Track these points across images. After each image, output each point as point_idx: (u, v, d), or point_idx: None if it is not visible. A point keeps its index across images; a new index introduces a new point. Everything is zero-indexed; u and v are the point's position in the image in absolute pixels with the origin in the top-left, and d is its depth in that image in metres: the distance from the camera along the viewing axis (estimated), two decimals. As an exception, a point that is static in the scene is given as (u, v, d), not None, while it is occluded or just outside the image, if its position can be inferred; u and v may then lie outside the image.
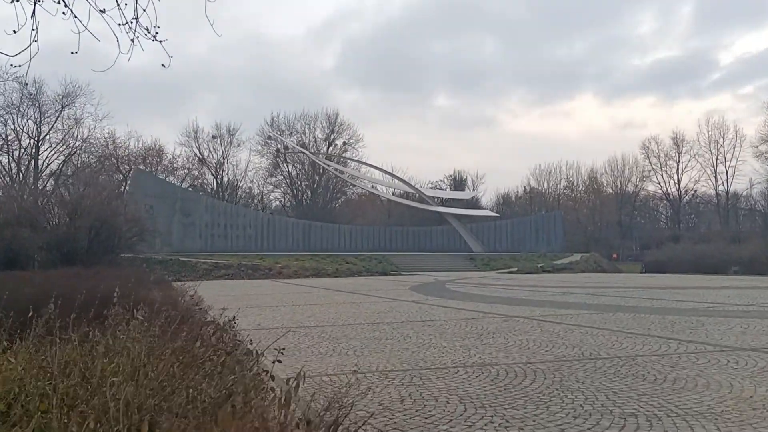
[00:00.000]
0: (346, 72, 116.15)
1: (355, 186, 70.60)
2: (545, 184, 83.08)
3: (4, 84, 56.07)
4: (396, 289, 22.79)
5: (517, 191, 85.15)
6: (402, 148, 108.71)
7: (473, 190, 76.70)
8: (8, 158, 50.14)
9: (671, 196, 76.77)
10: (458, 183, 77.14)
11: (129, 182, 42.38)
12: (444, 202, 70.27)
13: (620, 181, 79.55)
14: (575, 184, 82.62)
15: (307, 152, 63.03)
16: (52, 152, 52.48)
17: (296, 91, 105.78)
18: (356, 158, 69.04)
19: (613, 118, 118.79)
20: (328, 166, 63.39)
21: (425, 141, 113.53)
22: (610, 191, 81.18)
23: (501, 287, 23.90)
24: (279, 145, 69.00)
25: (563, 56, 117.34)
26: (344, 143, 73.00)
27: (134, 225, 21.13)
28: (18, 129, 49.58)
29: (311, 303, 17.38)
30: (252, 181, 72.52)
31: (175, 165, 69.06)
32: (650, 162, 76.06)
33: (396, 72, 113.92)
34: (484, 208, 67.76)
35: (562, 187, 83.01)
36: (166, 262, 33.40)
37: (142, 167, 63.49)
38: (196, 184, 69.85)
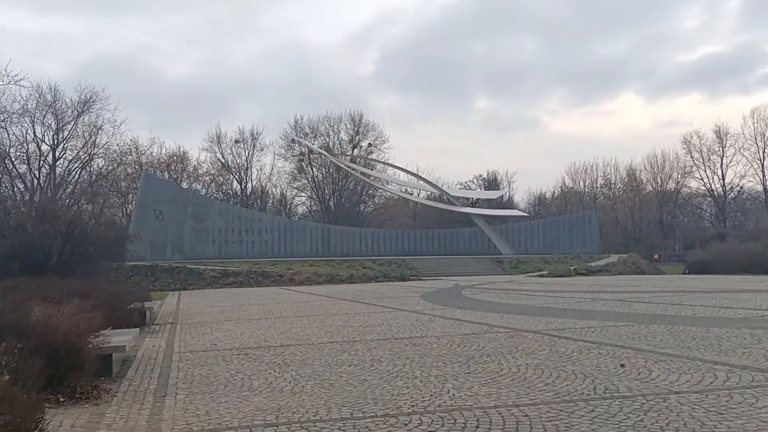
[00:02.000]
0: (384, 76, 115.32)
1: (380, 189, 68.63)
2: (581, 183, 79.77)
3: (21, 91, 55.90)
4: (404, 297, 20.66)
5: (553, 191, 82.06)
6: (441, 152, 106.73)
7: (508, 188, 74.12)
8: (27, 166, 49.60)
9: (715, 193, 72.77)
10: (490, 183, 74.43)
11: (138, 187, 41.14)
12: (474, 203, 67.82)
13: (661, 178, 75.81)
14: (613, 182, 79.11)
15: (330, 156, 61.26)
16: (72, 159, 51.84)
17: (335, 98, 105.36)
18: (382, 160, 67.02)
19: (656, 117, 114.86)
20: (353, 169, 61.54)
21: (464, 144, 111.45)
22: (650, 189, 77.47)
23: (523, 293, 21.55)
24: (303, 149, 67.44)
25: (606, 54, 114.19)
26: (369, 145, 71.10)
27: (109, 230, 19.41)
28: (37, 137, 49.01)
29: (299, 315, 15.40)
30: (276, 186, 71.21)
31: (199, 171, 68.36)
32: (692, 157, 72.28)
33: (434, 75, 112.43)
34: (514, 208, 64.90)
35: (599, 185, 79.60)
36: (172, 270, 31.91)
37: (163, 174, 62.85)
38: (221, 190, 68.94)
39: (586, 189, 79.67)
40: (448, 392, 6.23)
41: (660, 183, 75.69)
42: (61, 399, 6.27)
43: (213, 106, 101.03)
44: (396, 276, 33.26)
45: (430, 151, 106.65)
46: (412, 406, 5.71)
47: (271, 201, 72.07)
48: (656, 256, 64.25)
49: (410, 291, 23.94)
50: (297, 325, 12.99)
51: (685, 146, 72.54)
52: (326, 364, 8.05)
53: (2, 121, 41.04)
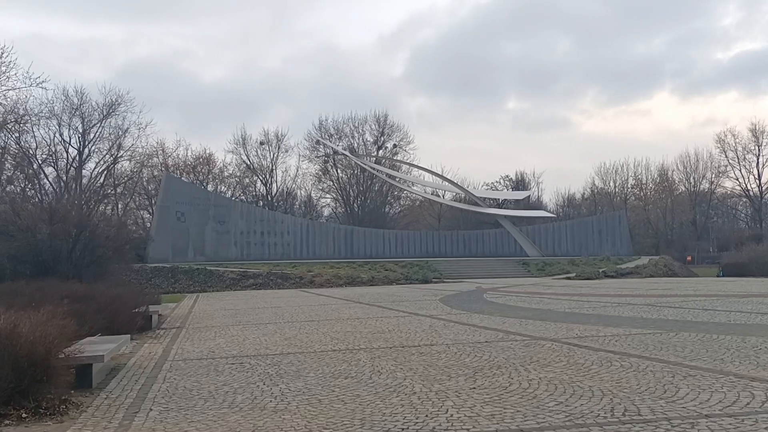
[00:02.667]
0: (415, 78, 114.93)
1: (405, 190, 67.92)
2: (611, 184, 77.92)
3: (47, 93, 56.56)
4: (422, 300, 19.96)
5: (583, 192, 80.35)
6: (470, 153, 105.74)
7: (536, 189, 72.83)
8: (55, 169, 50.08)
9: (751, 193, 70.44)
10: (517, 184, 73.13)
11: (160, 189, 41.06)
12: (500, 204, 66.73)
13: (694, 178, 73.73)
14: (644, 182, 77.12)
15: (354, 157, 60.75)
16: (99, 162, 52.22)
17: (365, 100, 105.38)
18: (407, 161, 66.28)
19: (691, 116, 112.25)
20: (377, 171, 60.95)
21: (494, 145, 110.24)
22: (683, 189, 75.42)
23: (547, 296, 20.69)
24: (327, 150, 67.06)
25: (640, 53, 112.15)
26: (394, 146, 70.41)
27: (119, 232, 19.05)
28: (63, 139, 49.45)
29: (310, 319, 14.83)
30: (300, 188, 70.96)
31: (225, 173, 68.45)
32: (726, 156, 70.10)
33: (465, 76, 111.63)
34: (542, 209, 63.58)
35: (630, 185, 77.70)
36: (192, 272, 31.66)
37: (189, 176, 63.04)
38: (247, 192, 68.93)
39: (617, 189, 77.88)
40: (447, 412, 5.56)
41: (693, 183, 73.69)
42: (24, 415, 5.76)
43: (245, 110, 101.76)
44: (418, 278, 32.55)
45: (460, 152, 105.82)
46: (403, 429, 5.06)
47: (297, 203, 71.91)
48: (689, 258, 62.38)
49: (430, 294, 23.23)
50: (304, 330, 12.42)
51: (719, 145, 70.48)
52: (321, 376, 7.44)
53: (29, 124, 41.23)
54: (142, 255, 35.93)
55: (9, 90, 31.35)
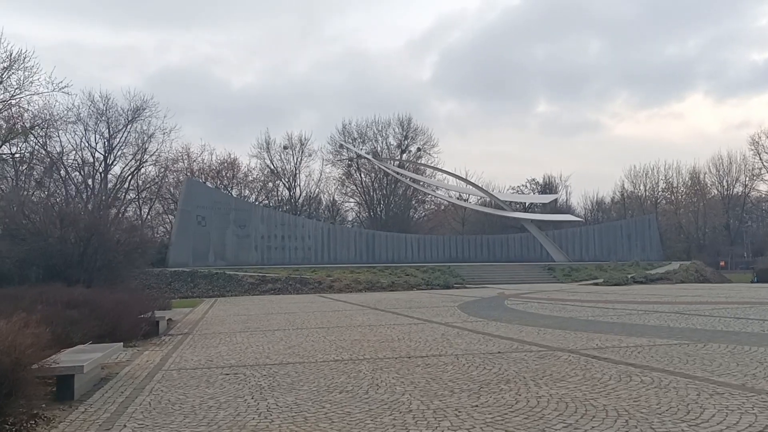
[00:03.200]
0: (444, 82, 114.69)
1: (429, 195, 67.26)
2: (641, 187, 76.23)
3: (74, 99, 57.26)
4: (440, 307, 19.38)
5: (613, 196, 78.73)
6: (499, 157, 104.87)
7: (564, 193, 71.59)
8: (81, 174, 50.59)
9: (787, 196, 68.29)
10: (544, 187, 71.93)
11: (181, 193, 41.09)
12: (527, 208, 65.71)
13: (727, 181, 71.85)
14: (675, 185, 75.30)
15: (376, 161, 60.33)
16: (125, 167, 52.66)
17: (393, 104, 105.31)
18: (430, 164, 65.66)
19: (725, 119, 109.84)
20: (401, 175, 60.44)
21: (523, 149, 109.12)
22: (716, 192, 73.51)
23: (570, 304, 19.94)
24: (351, 154, 66.75)
25: (673, 55, 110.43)
26: (418, 149, 69.80)
27: (131, 236, 18.79)
28: (89, 144, 49.96)
29: (320, 326, 14.37)
30: (323, 192, 70.76)
31: (249, 178, 68.61)
32: (761, 159, 68.03)
33: (494, 79, 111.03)
34: (569, 213, 62.35)
35: (660, 189, 75.90)
36: (211, 276, 31.51)
37: (214, 181, 63.29)
38: (270, 197, 68.99)
39: (647, 193, 76.17)
40: (440, 435, 5.03)
41: (726, 186, 71.80)
42: (-13, 432, 5.37)
43: (273, 115, 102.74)
44: (439, 284, 31.91)
45: (488, 157, 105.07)
46: (387, 455, 4.54)
47: (321, 207, 71.69)
48: (722, 264, 60.66)
49: (449, 300, 22.63)
50: (311, 338, 11.96)
51: (752, 147, 68.48)
52: (315, 390, 6.95)
53: (55, 129, 41.70)
54: (162, 259, 35.97)
55: (33, 95, 31.69)
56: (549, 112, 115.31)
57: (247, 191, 67.74)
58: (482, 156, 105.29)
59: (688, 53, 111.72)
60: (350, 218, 74.23)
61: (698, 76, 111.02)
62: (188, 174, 61.88)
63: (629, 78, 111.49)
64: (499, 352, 9.39)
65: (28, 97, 31.74)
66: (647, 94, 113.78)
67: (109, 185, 50.53)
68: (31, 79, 31.12)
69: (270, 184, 69.07)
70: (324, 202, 70.67)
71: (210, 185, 58.20)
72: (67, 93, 33.42)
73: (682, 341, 10.11)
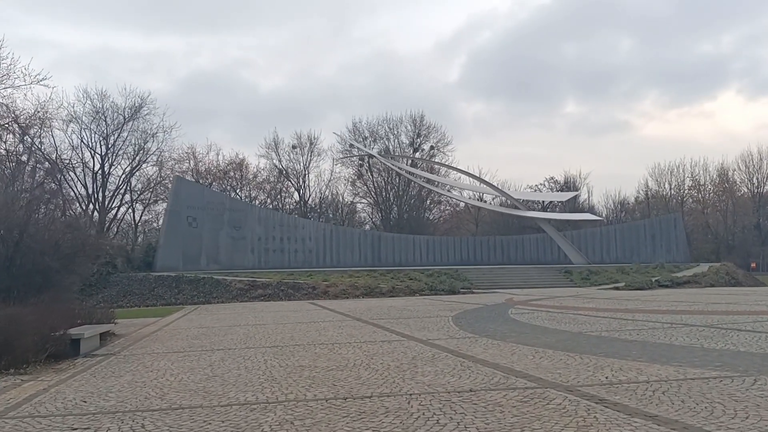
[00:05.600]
0: (471, 83, 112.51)
1: (443, 195, 64.61)
2: (666, 186, 72.76)
3: (68, 96, 55.51)
4: (433, 318, 16.85)
5: (636, 196, 75.34)
6: (526, 159, 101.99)
7: (588, 195, 68.48)
8: (83, 173, 48.91)
9: (822, 194, 64.48)
10: (564, 186, 68.60)
11: (170, 193, 38.99)
12: (545, 208, 62.81)
13: (757, 179, 68.34)
14: (702, 183, 71.71)
15: (386, 161, 57.86)
16: (126, 167, 50.88)
17: (420, 106, 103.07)
18: (442, 162, 63.03)
19: (757, 117, 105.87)
20: (413, 175, 57.91)
21: (551, 150, 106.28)
22: (745, 190, 69.95)
23: (585, 313, 17.29)
24: (362, 153, 64.35)
25: (706, 52, 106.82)
26: (431, 147, 67.21)
27: (73, 237, 16.41)
28: (84, 143, 48.21)
29: (276, 344, 11.96)
30: (333, 193, 68.48)
31: (259, 179, 66.61)
32: (793, 155, 64.34)
33: (522, 80, 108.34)
34: (587, 213, 59.23)
35: (686, 187, 72.37)
36: (197, 282, 29.29)
37: (220, 182, 61.34)
38: (279, 198, 66.96)
39: (672, 192, 72.68)
40: None
41: (756, 184, 68.31)
42: None
43: (301, 118, 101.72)
44: (444, 289, 29.29)
45: (514, 158, 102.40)
46: None
47: (330, 209, 69.41)
48: (753, 265, 57.23)
49: (448, 308, 20.09)
50: (247, 363, 9.55)
51: (786, 142, 64.71)
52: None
53: (46, 127, 39.93)
54: (150, 263, 33.89)
55: (8, 88, 29.83)
56: (577, 113, 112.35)
57: (256, 193, 65.82)
58: (508, 157, 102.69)
59: (722, 51, 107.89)
60: (362, 220, 71.86)
61: (730, 74, 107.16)
62: (194, 175, 60.16)
63: (660, 76, 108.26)
64: (470, 391, 6.88)
65: (3, 90, 29.89)
66: (678, 93, 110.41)
67: (111, 187, 48.78)
68: (8, 73, 29.26)
69: (279, 186, 67.01)
70: (334, 204, 68.34)
71: (215, 187, 56.32)
72: (46, 86, 31.45)
73: (724, 372, 7.51)
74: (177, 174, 47.25)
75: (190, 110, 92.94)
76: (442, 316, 17.03)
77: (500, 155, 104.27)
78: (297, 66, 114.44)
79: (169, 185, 53.05)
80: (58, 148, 45.84)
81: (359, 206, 70.85)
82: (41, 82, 29.92)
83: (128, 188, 49.31)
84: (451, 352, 10.04)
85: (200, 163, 62.51)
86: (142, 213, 49.59)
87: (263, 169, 65.78)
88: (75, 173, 46.83)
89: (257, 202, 61.71)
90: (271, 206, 61.85)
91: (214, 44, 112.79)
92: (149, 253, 34.67)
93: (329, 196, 67.90)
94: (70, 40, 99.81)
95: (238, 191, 63.95)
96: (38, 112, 35.97)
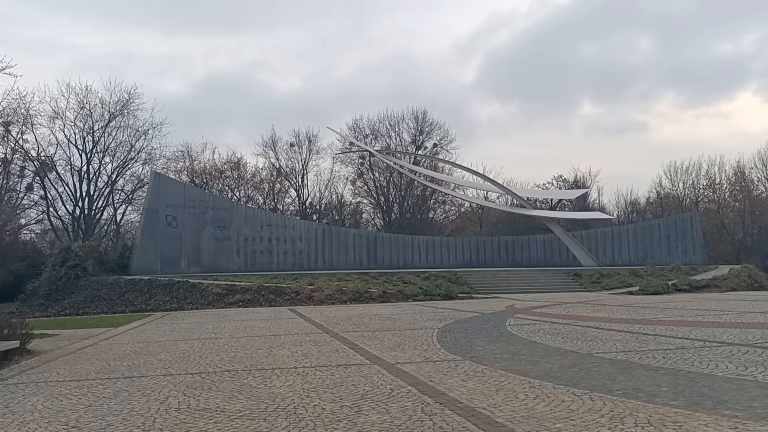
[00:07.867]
0: (487, 84, 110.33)
1: (447, 194, 62.02)
2: (680, 185, 69.76)
3: (50, 91, 53.35)
4: (415, 330, 14.33)
5: (648, 195, 72.41)
6: (541, 160, 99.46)
7: (598, 195, 65.58)
8: (70, 172, 46.80)
9: None
10: (573, 184, 65.66)
11: (147, 190, 36.67)
12: (553, 206, 60.11)
13: (775, 177, 65.16)
14: (718, 182, 68.70)
15: (384, 158, 55.37)
16: (113, 165, 48.77)
17: (435, 107, 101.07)
18: (445, 159, 60.45)
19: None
20: (415, 173, 55.36)
21: (567, 151, 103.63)
22: (763, 189, 66.88)
23: (595, 324, 14.71)
24: (361, 150, 61.93)
25: (727, 52, 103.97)
26: (435, 145, 64.62)
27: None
28: (68, 139, 46.07)
29: (200, 371, 9.49)
30: (333, 193, 66.06)
31: (257, 178, 64.48)
32: (814, 151, 61.20)
33: (539, 80, 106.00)
34: (597, 211, 56.42)
35: (701, 186, 69.38)
36: (171, 286, 26.92)
37: (216, 183, 59.11)
38: (277, 198, 64.74)
39: (686, 191, 69.69)
40: None
41: (775, 182, 65.10)
42: None
43: (317, 119, 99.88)
44: (440, 294, 26.74)
45: (529, 159, 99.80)
46: None
47: (330, 208, 66.98)
48: (774, 267, 54.25)
49: (438, 318, 17.57)
50: (136, 404, 7.11)
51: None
52: None
53: (27, 123, 37.75)
54: (125, 265, 31.60)
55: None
56: (593, 114, 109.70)
57: (255, 193, 63.65)
58: (523, 158, 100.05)
59: (744, 50, 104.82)
60: (365, 221, 69.35)
61: (750, 74, 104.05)
62: (188, 174, 58.12)
63: (677, 77, 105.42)
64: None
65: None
66: (695, 94, 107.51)
67: (100, 183, 46.58)
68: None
69: (278, 185, 64.77)
70: (333, 203, 65.92)
71: (215, 190, 54.11)
72: (10, 75, 29.09)
73: (806, 433, 4.95)
74: (155, 170, 44.94)
75: (207, 112, 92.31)
76: (428, 328, 14.52)
77: (515, 157, 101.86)
78: (314, 67, 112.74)
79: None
80: (40, 145, 43.65)
81: (360, 206, 68.44)
82: (3, 71, 27.58)
83: (113, 187, 47.10)
84: (418, 384, 7.54)
85: (195, 162, 60.53)
86: (124, 213, 47.32)
87: (262, 169, 63.68)
88: (57, 171, 44.64)
89: (253, 203, 59.40)
90: (268, 207, 59.56)
91: (233, 45, 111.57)
92: (124, 255, 32.36)
93: (329, 196, 65.57)
94: (89, 42, 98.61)
95: (234, 191, 61.81)
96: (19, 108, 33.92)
